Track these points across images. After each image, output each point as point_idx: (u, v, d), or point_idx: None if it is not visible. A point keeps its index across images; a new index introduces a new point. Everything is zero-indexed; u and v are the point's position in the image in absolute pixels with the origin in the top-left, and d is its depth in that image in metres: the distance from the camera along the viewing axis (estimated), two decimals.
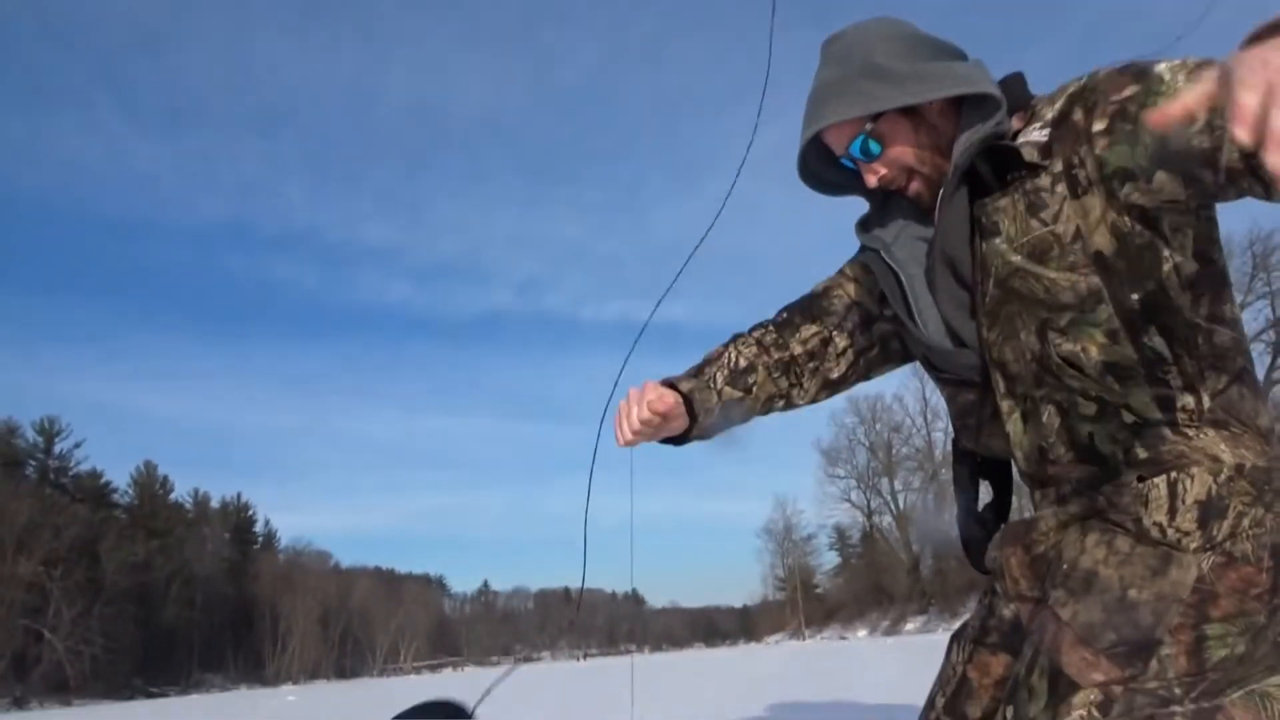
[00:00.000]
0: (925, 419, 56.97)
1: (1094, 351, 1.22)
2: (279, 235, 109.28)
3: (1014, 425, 1.33)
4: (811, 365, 1.59)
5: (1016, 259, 1.25)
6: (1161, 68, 1.13)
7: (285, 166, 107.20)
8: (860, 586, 66.41)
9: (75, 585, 46.65)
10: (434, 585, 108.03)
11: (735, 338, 1.62)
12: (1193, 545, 1.16)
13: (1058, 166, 1.23)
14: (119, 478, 64.15)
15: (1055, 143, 1.24)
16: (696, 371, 1.56)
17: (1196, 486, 1.18)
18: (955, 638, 1.52)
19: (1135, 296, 1.21)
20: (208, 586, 62.69)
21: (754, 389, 1.56)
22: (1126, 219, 1.19)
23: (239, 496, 75.88)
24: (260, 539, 76.57)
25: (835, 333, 1.59)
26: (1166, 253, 1.20)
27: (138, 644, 51.85)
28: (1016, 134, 1.30)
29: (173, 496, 66.49)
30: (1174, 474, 1.20)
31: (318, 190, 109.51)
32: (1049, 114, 1.26)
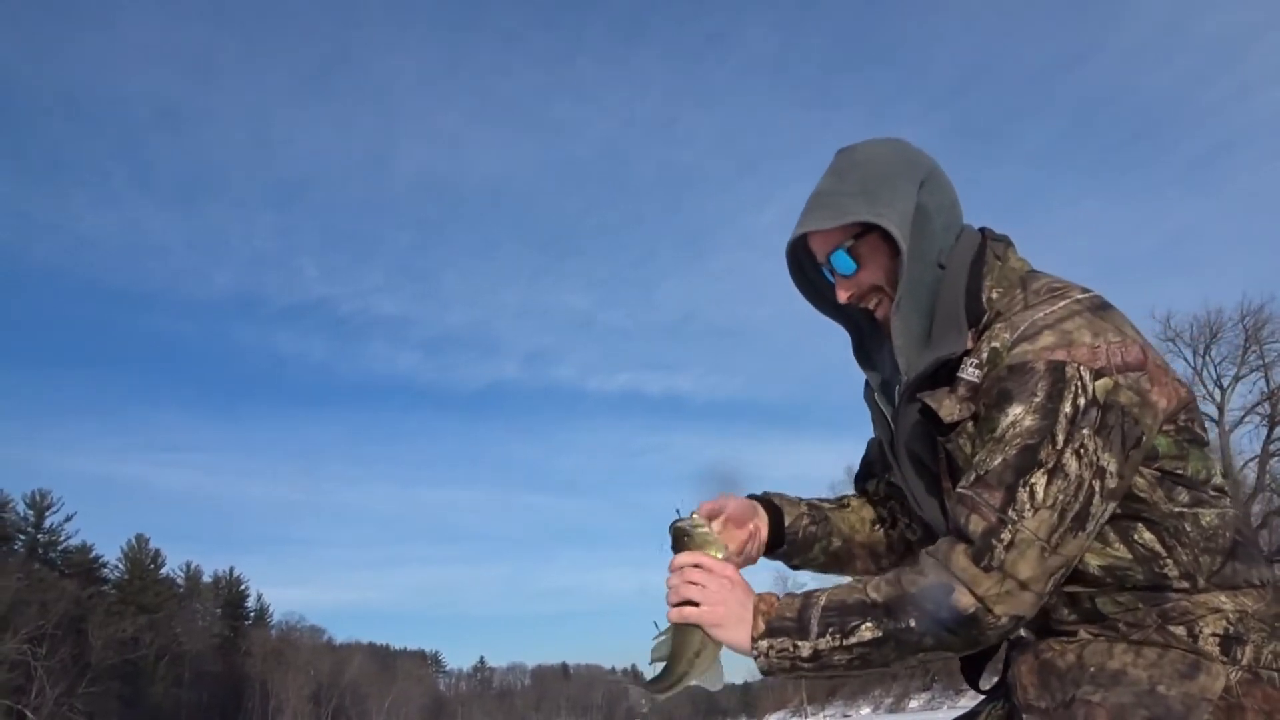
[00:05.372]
0: None
1: (1090, 558, 1.24)
2: (289, 307, 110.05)
3: None
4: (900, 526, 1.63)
5: None
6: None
7: (299, 239, 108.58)
8: None
9: (60, 664, 45.78)
10: (429, 661, 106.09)
11: None
12: (1219, 660, 1.18)
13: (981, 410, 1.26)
14: (110, 551, 63.56)
15: (979, 390, 1.26)
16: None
17: (1211, 625, 1.20)
18: None
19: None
20: (197, 663, 61.58)
21: (844, 502, 1.65)
22: None
23: (231, 570, 75.16)
24: (252, 614, 75.52)
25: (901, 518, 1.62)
26: None
27: None
28: (965, 356, 1.30)
29: (164, 571, 65.77)
30: (1187, 622, 1.22)
31: (330, 262, 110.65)
32: (985, 352, 1.26)
